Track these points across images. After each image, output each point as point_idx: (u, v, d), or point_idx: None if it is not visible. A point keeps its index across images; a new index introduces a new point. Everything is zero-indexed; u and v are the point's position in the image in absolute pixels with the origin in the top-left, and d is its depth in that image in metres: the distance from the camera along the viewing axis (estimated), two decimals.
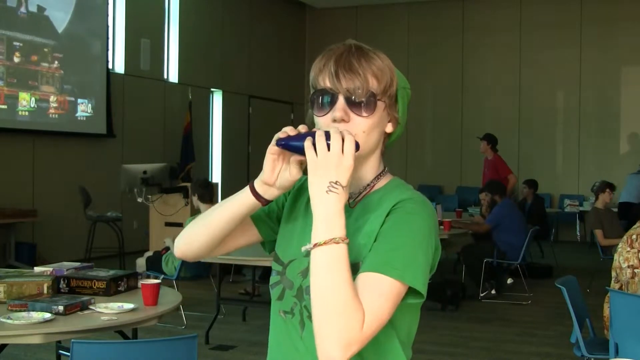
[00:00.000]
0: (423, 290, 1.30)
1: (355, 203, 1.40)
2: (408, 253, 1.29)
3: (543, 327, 6.25)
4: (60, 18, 9.21)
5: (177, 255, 1.53)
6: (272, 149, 1.36)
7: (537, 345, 5.69)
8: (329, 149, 1.26)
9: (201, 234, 1.47)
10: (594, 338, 4.01)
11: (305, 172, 1.36)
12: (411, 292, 1.30)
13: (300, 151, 1.30)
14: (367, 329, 1.22)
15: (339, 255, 1.23)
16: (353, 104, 1.34)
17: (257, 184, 1.40)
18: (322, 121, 1.36)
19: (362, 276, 1.27)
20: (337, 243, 1.23)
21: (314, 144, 1.27)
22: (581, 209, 11.56)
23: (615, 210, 9.21)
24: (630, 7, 12.39)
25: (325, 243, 1.23)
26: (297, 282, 1.41)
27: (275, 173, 1.37)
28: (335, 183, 1.25)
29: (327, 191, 1.25)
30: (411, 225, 1.32)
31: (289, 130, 1.33)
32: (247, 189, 1.41)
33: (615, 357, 3.44)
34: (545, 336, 5.94)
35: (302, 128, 1.33)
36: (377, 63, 1.36)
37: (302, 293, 1.39)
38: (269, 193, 1.39)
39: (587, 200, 11.40)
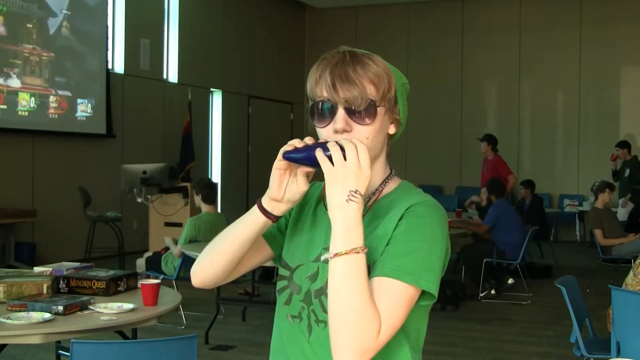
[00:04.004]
0: (436, 293, 1.32)
1: (367, 210, 1.39)
2: (422, 257, 1.30)
3: (543, 327, 6.25)
4: (60, 17, 9.21)
5: (195, 284, 1.51)
6: (278, 164, 1.34)
7: (536, 345, 5.69)
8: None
9: (216, 261, 1.45)
10: (594, 338, 4.01)
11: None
12: (423, 294, 1.32)
13: (311, 163, 1.30)
14: (382, 336, 1.24)
15: (359, 264, 1.24)
16: (353, 114, 1.33)
17: (265, 201, 1.38)
18: (324, 132, 1.36)
19: (377, 281, 1.28)
20: (357, 253, 1.24)
21: (326, 155, 1.27)
22: (581, 209, 11.55)
23: (615, 210, 9.21)
24: (630, 7, 12.39)
25: (346, 253, 1.24)
26: (304, 287, 1.41)
27: (282, 188, 1.36)
28: (355, 192, 1.25)
29: (347, 200, 1.25)
30: (424, 230, 1.33)
31: (296, 143, 1.32)
32: (255, 208, 1.40)
33: (618, 356, 3.44)
34: (545, 336, 5.94)
35: (309, 140, 1.32)
36: (372, 69, 1.35)
37: (310, 297, 1.40)
38: (278, 209, 1.38)
39: (587, 200, 11.40)
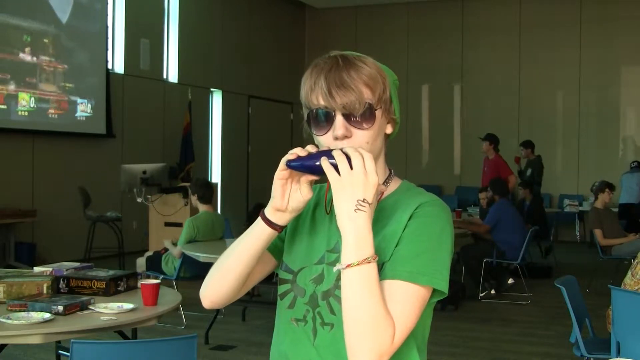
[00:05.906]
0: (447, 290, 1.33)
1: None
2: (433, 257, 1.31)
3: (543, 327, 6.25)
4: (59, 17, 9.20)
5: (206, 306, 1.48)
6: (280, 174, 1.33)
7: (536, 345, 5.69)
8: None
9: (226, 279, 1.43)
10: (594, 338, 4.01)
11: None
12: (434, 292, 1.33)
13: (316, 172, 1.29)
14: (397, 340, 1.25)
15: (371, 274, 1.24)
16: (352, 119, 1.32)
17: (269, 212, 1.37)
18: (323, 140, 1.35)
19: (390, 284, 1.28)
20: (369, 262, 1.24)
21: (332, 164, 1.26)
22: (581, 209, 11.55)
23: (615, 210, 9.21)
24: (630, 7, 12.39)
25: (358, 264, 1.24)
26: (309, 290, 1.41)
27: (285, 198, 1.35)
28: (363, 201, 1.24)
29: (355, 210, 1.24)
30: (433, 229, 1.33)
31: (298, 152, 1.31)
32: (259, 221, 1.38)
33: (617, 356, 3.43)
34: (545, 336, 5.94)
35: (312, 148, 1.31)
36: (366, 72, 1.34)
37: (317, 300, 1.39)
38: (282, 219, 1.37)
39: (587, 200, 11.40)
